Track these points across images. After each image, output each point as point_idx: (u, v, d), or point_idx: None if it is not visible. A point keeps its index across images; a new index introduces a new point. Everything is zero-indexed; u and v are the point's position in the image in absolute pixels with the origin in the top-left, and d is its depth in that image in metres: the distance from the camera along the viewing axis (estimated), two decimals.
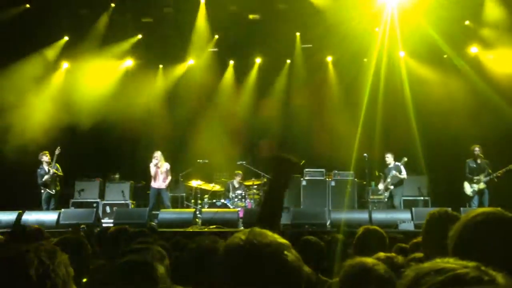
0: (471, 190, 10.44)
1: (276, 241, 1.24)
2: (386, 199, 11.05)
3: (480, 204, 10.13)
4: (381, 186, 11.24)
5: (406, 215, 9.74)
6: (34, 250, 1.20)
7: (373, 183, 11.84)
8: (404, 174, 10.88)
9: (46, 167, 10.80)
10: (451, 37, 11.99)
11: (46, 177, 10.72)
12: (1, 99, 11.80)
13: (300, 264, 1.26)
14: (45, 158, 10.82)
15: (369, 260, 1.77)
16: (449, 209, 2.37)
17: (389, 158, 11.04)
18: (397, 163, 10.98)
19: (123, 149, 13.40)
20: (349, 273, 1.72)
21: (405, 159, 10.90)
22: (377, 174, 11.60)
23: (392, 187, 10.95)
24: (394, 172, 10.90)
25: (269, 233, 1.27)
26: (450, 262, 0.93)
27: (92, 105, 12.38)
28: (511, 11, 11.27)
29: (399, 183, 10.95)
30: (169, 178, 11.31)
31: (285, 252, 1.23)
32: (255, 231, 1.27)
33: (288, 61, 13.96)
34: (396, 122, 12.29)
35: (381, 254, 2.30)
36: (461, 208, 9.00)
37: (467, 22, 12.40)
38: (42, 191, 10.85)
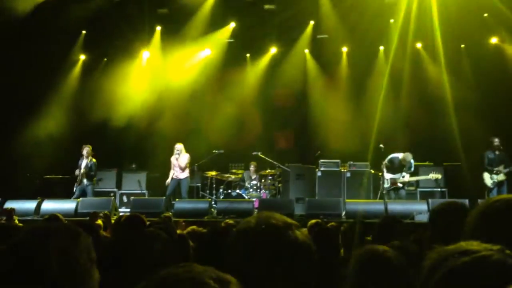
0: (491, 181, 10.31)
1: (285, 221, 1.28)
2: (385, 192, 10.59)
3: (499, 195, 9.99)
4: (386, 175, 10.59)
5: (423, 207, 9.67)
6: (56, 236, 1.20)
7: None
8: (412, 170, 10.56)
9: (84, 160, 11.00)
10: (469, 28, 11.82)
11: (77, 171, 10.97)
12: None
13: (310, 242, 1.30)
14: (84, 151, 11.04)
15: (379, 247, 1.78)
16: (459, 201, 2.37)
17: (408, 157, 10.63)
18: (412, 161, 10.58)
19: (139, 140, 13.51)
20: (359, 260, 1.74)
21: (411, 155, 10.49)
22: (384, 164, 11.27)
23: (400, 185, 10.61)
24: (405, 172, 10.55)
25: (277, 215, 1.31)
26: (474, 245, 0.93)
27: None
28: None
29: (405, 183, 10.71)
30: (187, 169, 11.32)
31: (295, 231, 1.27)
32: (264, 214, 1.31)
33: (306, 51, 13.86)
34: (414, 113, 12.17)
35: (396, 242, 2.30)
36: (478, 200, 8.89)
37: (485, 15, 12.18)
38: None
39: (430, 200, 9.75)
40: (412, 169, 10.59)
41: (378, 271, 1.68)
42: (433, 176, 10.39)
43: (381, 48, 13.23)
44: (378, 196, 10.97)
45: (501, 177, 10.22)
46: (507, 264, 0.85)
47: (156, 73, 13.76)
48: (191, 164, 11.42)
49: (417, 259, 1.87)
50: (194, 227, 3.85)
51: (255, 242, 1.24)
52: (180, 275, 0.80)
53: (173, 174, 11.19)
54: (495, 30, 12.26)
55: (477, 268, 0.85)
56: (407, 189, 10.90)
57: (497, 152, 10.32)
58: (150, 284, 0.80)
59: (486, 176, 10.39)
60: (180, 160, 11.11)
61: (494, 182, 10.27)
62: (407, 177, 10.52)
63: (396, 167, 10.53)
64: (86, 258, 1.21)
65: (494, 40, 12.50)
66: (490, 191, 10.27)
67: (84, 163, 10.97)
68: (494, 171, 10.26)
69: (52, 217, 5.20)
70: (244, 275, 1.20)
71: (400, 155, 10.43)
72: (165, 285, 0.78)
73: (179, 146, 11.15)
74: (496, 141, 10.29)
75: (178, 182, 11.22)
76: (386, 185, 10.65)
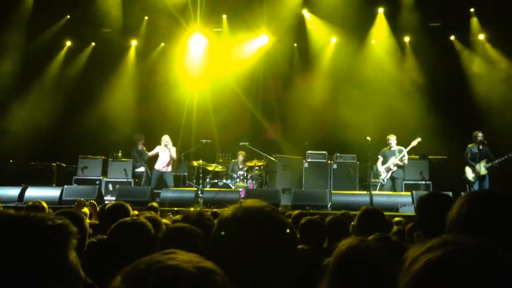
0: (473, 175, 10.43)
1: (266, 205, 1.30)
2: (384, 182, 10.93)
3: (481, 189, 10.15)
4: (381, 168, 11.02)
5: (407, 199, 9.80)
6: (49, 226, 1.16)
7: (375, 167, 11.86)
8: (405, 159, 10.79)
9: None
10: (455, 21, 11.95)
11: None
12: None
13: (291, 225, 1.31)
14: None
15: (358, 238, 1.80)
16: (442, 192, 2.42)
17: (392, 141, 10.91)
18: (400, 147, 10.86)
19: (125, 129, 13.42)
20: (339, 252, 1.76)
21: (419, 139, 10.69)
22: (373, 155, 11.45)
23: (395, 168, 10.82)
24: (395, 156, 10.79)
25: (258, 201, 1.32)
26: (455, 237, 0.94)
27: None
28: None
29: (400, 166, 10.88)
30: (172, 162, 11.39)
31: (276, 214, 1.29)
32: (243, 202, 1.33)
33: (295, 44, 13.84)
34: (400, 105, 12.25)
35: (377, 234, 2.32)
36: (462, 193, 9.01)
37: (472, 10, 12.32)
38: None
39: (414, 192, 9.88)
40: (405, 155, 10.72)
41: (356, 261, 1.71)
42: (415, 142, 10.63)
43: (373, 41, 13.24)
44: (378, 187, 11.07)
45: (483, 171, 10.33)
46: (486, 255, 0.87)
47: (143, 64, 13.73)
48: (176, 153, 11.44)
49: (398, 250, 1.89)
50: (178, 217, 3.84)
51: (238, 229, 1.25)
52: (162, 262, 0.79)
53: (157, 165, 11.23)
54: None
55: (455, 258, 0.86)
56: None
57: (480, 147, 10.43)
58: (132, 271, 0.80)
59: (468, 171, 10.51)
60: (172, 152, 11.14)
61: (475, 176, 10.40)
62: (396, 160, 10.67)
63: (389, 158, 10.86)
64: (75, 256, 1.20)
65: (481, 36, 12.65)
66: (471, 185, 10.40)
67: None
68: (476, 166, 10.38)
69: (36, 204, 5.16)
70: (228, 262, 1.20)
71: (394, 146, 10.84)
72: (148, 272, 0.78)
73: (166, 138, 11.14)
74: (480, 135, 10.39)
75: (161, 174, 11.22)
76: (383, 175, 10.78)
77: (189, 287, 0.76)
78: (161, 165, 11.26)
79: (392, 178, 10.83)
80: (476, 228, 1.39)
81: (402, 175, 10.91)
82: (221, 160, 12.54)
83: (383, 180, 10.89)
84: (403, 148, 10.79)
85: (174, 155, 11.21)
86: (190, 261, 0.81)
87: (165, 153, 11.21)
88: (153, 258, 0.81)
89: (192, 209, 9.17)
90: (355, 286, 1.68)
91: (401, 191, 10.70)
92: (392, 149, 10.88)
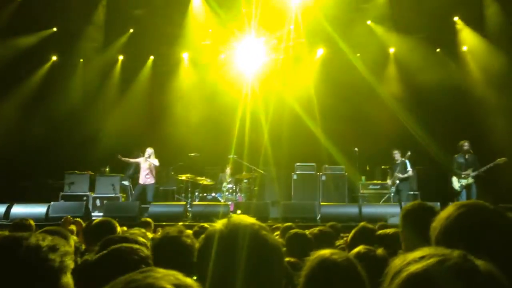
0: (459, 185, 10.50)
1: (254, 223, 1.30)
2: (392, 194, 11.03)
3: (468, 199, 10.21)
4: (389, 181, 11.21)
5: (396, 210, 9.82)
6: (35, 236, 1.20)
7: (363, 178, 11.91)
8: (409, 170, 10.86)
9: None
10: (441, 31, 12.13)
11: None
12: None
13: (279, 244, 1.31)
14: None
15: (328, 251, 1.81)
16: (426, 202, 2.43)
17: (397, 155, 11.00)
18: (403, 159, 10.95)
19: (112, 143, 13.36)
20: (309, 265, 1.76)
21: (409, 153, 10.85)
22: (383, 168, 11.59)
23: (397, 181, 10.93)
24: (399, 168, 10.88)
25: (246, 217, 1.32)
26: (437, 250, 0.94)
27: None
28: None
29: (404, 178, 10.94)
30: (154, 175, 11.38)
31: (264, 232, 1.28)
32: (233, 217, 1.32)
33: (281, 57, 13.89)
34: (387, 117, 12.35)
35: (361, 247, 2.32)
36: (450, 203, 9.06)
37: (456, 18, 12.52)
38: None
39: (403, 203, 9.91)
40: (409, 168, 10.81)
41: (325, 274, 1.71)
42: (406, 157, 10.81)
43: (358, 55, 13.38)
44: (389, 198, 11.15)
45: (469, 180, 10.40)
46: (465, 268, 0.87)
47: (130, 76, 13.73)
48: (164, 167, 11.42)
49: (382, 264, 1.89)
50: (158, 234, 3.80)
51: (224, 246, 1.24)
52: (138, 281, 0.78)
53: (140, 178, 11.25)
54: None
55: (435, 271, 0.86)
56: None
57: (466, 156, 10.50)
58: None
59: (454, 180, 10.60)
60: (152, 162, 11.12)
61: (461, 185, 10.46)
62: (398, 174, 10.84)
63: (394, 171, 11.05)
64: (60, 260, 1.21)
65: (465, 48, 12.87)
66: (458, 194, 10.47)
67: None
68: (462, 175, 10.46)
69: (23, 222, 5.07)
70: (213, 278, 1.20)
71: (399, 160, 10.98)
72: None
73: (150, 150, 11.19)
74: (466, 145, 10.48)
75: (143, 187, 11.21)
76: (392, 189, 11.01)
77: None
78: (141, 177, 11.29)
79: (398, 191, 10.90)
80: (460, 240, 1.39)
81: (407, 187, 10.94)
82: (209, 174, 12.49)
83: (392, 193, 11.03)
84: (406, 161, 10.87)
85: (155, 163, 11.25)
86: (167, 278, 0.80)
87: (143, 165, 11.22)
88: (130, 277, 0.80)
89: (179, 224, 9.11)
90: None
91: (405, 202, 10.73)
92: (397, 162, 10.98)
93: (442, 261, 0.88)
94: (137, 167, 11.70)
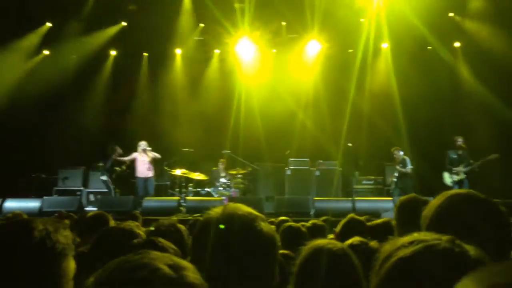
0: (451, 180, 10.59)
1: (250, 213, 1.30)
2: (392, 191, 11.10)
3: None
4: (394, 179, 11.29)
5: (389, 204, 9.88)
6: (40, 220, 1.28)
7: (357, 173, 11.94)
8: (408, 168, 10.91)
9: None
10: (436, 29, 12.11)
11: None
12: None
13: (274, 234, 1.32)
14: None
15: (323, 241, 1.82)
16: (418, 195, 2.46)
17: (396, 154, 11.06)
18: (404, 156, 11.00)
19: (106, 138, 13.32)
20: (304, 254, 1.77)
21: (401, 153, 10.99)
22: (360, 163, 11.63)
23: (395, 180, 10.98)
24: (399, 166, 10.94)
25: (243, 206, 1.33)
26: (426, 235, 0.96)
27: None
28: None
29: (403, 176, 10.99)
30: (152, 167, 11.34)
31: (260, 222, 1.29)
32: (229, 205, 1.34)
33: (274, 50, 13.90)
34: (381, 112, 12.39)
35: (356, 239, 2.34)
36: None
37: (451, 14, 12.51)
38: None
39: (395, 198, 9.97)
40: (408, 165, 10.86)
41: (320, 263, 1.72)
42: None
43: (350, 50, 13.37)
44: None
45: (461, 176, 10.48)
46: (454, 252, 0.89)
47: (123, 72, 13.68)
48: (158, 162, 11.38)
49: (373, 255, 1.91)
50: (151, 228, 3.80)
51: (219, 232, 1.25)
52: (134, 262, 0.80)
53: (139, 172, 11.16)
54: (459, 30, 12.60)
55: (424, 255, 0.88)
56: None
57: (459, 152, 10.58)
58: (104, 271, 0.80)
59: (446, 176, 10.68)
60: (150, 154, 11.15)
61: (453, 181, 10.54)
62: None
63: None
64: (65, 242, 1.26)
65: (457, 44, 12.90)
66: (450, 190, 10.48)
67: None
68: (454, 171, 10.53)
69: (15, 216, 5.06)
70: (208, 265, 1.21)
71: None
72: (119, 271, 0.78)
73: (143, 143, 11.15)
74: (459, 140, 10.55)
75: (145, 180, 11.17)
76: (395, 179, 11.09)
77: (161, 284, 0.76)
78: (142, 171, 11.19)
79: (399, 188, 10.94)
80: (451, 228, 1.41)
81: (409, 185, 10.94)
82: (203, 169, 12.48)
83: (391, 190, 11.15)
84: (406, 158, 10.93)
85: (155, 155, 11.25)
86: (162, 259, 0.81)
87: (143, 158, 11.15)
88: (126, 258, 0.82)
89: (174, 217, 9.11)
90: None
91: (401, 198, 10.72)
92: (398, 160, 11.06)
93: (431, 246, 0.90)
94: (115, 161, 11.48)
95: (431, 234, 0.97)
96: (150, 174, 11.31)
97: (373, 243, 2.30)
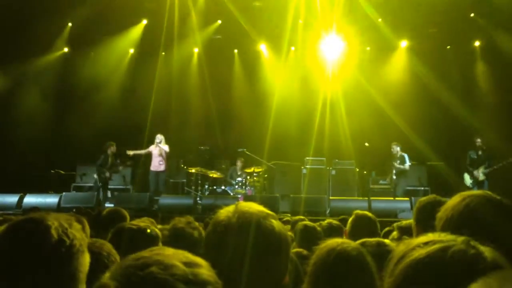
0: (471, 181, 10.44)
1: (262, 211, 1.30)
2: (393, 189, 10.99)
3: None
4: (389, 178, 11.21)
5: (406, 205, 9.79)
6: (54, 217, 1.27)
7: (373, 172, 11.85)
8: (406, 165, 10.82)
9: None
10: (455, 28, 11.96)
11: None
12: None
13: (286, 232, 1.31)
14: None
15: (338, 241, 1.81)
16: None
17: (394, 149, 10.95)
18: (401, 153, 10.91)
19: (125, 135, 13.44)
20: (318, 253, 1.77)
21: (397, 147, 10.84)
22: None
23: (394, 177, 10.87)
24: (396, 162, 10.84)
25: (255, 205, 1.33)
26: (441, 236, 0.95)
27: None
28: None
29: (401, 173, 10.91)
30: (165, 162, 11.33)
31: (271, 220, 1.28)
32: (241, 204, 1.33)
33: (292, 48, 13.84)
34: (397, 112, 12.26)
35: (371, 239, 2.32)
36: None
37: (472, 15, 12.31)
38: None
39: (413, 198, 9.86)
40: (407, 162, 10.76)
41: (333, 264, 1.71)
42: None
43: (368, 48, 13.25)
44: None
45: (481, 177, 10.33)
46: (468, 254, 0.87)
47: (141, 69, 13.77)
48: (174, 160, 11.40)
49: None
50: (166, 226, 3.83)
51: (230, 231, 1.26)
52: (148, 258, 0.80)
53: (152, 166, 11.19)
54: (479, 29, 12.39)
55: (438, 257, 0.87)
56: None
57: (479, 152, 10.42)
58: (119, 268, 0.81)
59: (466, 177, 10.53)
60: (163, 148, 11.09)
61: (473, 182, 10.39)
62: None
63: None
64: (80, 237, 1.27)
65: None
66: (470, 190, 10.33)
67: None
68: (474, 172, 10.38)
69: (34, 211, 5.13)
70: (220, 263, 1.21)
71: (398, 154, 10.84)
72: (134, 268, 0.79)
73: (160, 136, 11.16)
74: (479, 141, 10.39)
75: (156, 175, 11.18)
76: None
77: (176, 281, 0.77)
78: (154, 165, 11.24)
79: (394, 185, 10.86)
80: (466, 229, 1.39)
81: (405, 182, 10.89)
82: (219, 167, 12.52)
83: (392, 188, 11.02)
84: (404, 154, 10.81)
85: (165, 149, 11.16)
86: (177, 256, 0.82)
87: (156, 152, 11.19)
88: (140, 254, 0.82)
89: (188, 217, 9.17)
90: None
91: (400, 196, 10.68)
92: (396, 156, 10.93)
93: (446, 248, 0.89)
94: (106, 158, 11.45)
95: (447, 235, 0.95)
96: (161, 168, 11.23)
97: (388, 242, 2.28)
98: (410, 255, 0.90)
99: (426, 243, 0.91)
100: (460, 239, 0.91)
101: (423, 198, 2.46)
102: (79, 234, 1.26)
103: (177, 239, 2.53)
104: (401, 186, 10.89)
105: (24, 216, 1.31)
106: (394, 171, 10.84)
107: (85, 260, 1.27)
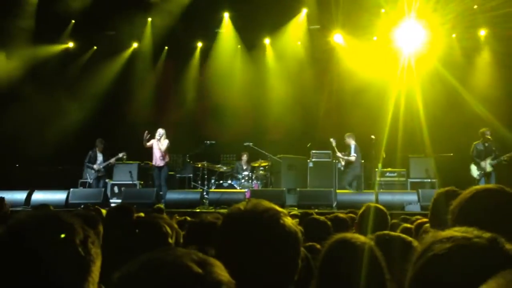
0: (478, 173, 10.37)
1: (273, 208, 1.31)
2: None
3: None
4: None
5: (413, 197, 9.76)
6: (78, 223, 1.22)
7: (380, 165, 11.79)
8: (353, 156, 10.74)
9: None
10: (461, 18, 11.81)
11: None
12: None
13: (297, 229, 1.32)
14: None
15: (347, 235, 1.80)
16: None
17: (347, 140, 10.89)
18: (351, 144, 10.83)
19: (130, 130, 13.46)
20: (327, 247, 1.76)
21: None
22: (384, 155, 11.42)
23: (341, 166, 10.97)
24: (341, 154, 10.87)
25: (266, 202, 1.33)
26: (467, 232, 0.94)
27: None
28: None
29: (349, 162, 10.84)
30: (167, 156, 11.25)
31: (282, 217, 1.29)
32: (253, 201, 1.34)
33: (299, 43, 13.76)
34: (404, 104, 12.17)
35: (381, 233, 2.31)
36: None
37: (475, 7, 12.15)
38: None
39: (420, 191, 9.84)
40: (352, 153, 10.75)
41: (342, 258, 1.71)
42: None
43: (374, 39, 13.14)
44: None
45: (488, 168, 10.26)
46: (491, 251, 0.86)
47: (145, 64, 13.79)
48: (180, 155, 11.39)
49: (405, 249, 1.88)
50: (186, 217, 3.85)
51: (242, 228, 1.27)
52: (161, 258, 0.80)
53: (153, 161, 11.18)
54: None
55: (459, 253, 0.86)
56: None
57: (486, 144, 10.34)
58: (131, 268, 0.80)
59: (473, 168, 10.46)
60: (161, 143, 10.94)
61: (480, 173, 10.32)
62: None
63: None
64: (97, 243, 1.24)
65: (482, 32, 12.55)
66: (477, 182, 10.29)
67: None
68: (481, 163, 10.31)
69: (42, 207, 5.18)
70: (231, 260, 1.21)
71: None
72: (147, 268, 0.78)
73: (161, 131, 11.04)
74: (488, 133, 10.29)
75: (158, 169, 11.15)
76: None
77: (189, 281, 0.76)
78: (155, 160, 11.15)
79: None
80: (476, 222, 1.38)
81: (351, 173, 10.88)
82: (225, 161, 12.53)
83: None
84: (352, 145, 10.82)
85: (163, 147, 10.92)
86: (188, 256, 0.81)
87: (156, 146, 11.11)
88: (151, 254, 0.82)
89: (208, 216, 9.20)
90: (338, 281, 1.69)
91: (348, 188, 10.66)
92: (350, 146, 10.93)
93: (470, 245, 0.87)
94: (93, 154, 11.44)
95: (472, 231, 0.94)
96: (162, 163, 11.05)
97: (396, 236, 2.27)
98: (432, 249, 0.89)
99: (449, 238, 0.90)
100: (486, 235, 0.90)
101: (440, 190, 2.44)
102: (95, 245, 1.20)
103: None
104: (347, 177, 10.88)
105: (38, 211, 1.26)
106: (342, 163, 10.81)
107: (97, 269, 1.23)
